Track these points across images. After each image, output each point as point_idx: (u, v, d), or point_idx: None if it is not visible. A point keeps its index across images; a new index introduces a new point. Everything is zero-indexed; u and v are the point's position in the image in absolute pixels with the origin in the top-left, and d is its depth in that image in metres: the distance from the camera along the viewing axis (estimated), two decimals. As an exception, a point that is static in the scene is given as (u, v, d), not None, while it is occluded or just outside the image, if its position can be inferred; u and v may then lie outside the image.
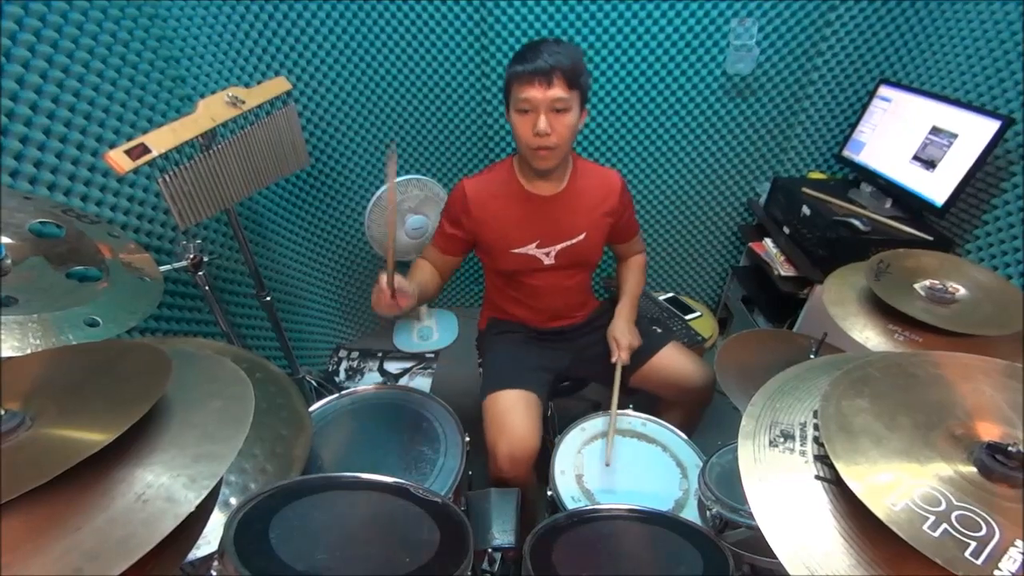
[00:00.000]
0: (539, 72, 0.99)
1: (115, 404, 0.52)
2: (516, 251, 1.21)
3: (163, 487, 0.47)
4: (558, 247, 1.22)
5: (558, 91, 1.00)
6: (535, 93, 1.00)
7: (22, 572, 0.41)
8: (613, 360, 1.23)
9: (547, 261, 1.23)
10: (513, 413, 1.15)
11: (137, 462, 0.49)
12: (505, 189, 1.19)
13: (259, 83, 1.32)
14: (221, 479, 0.50)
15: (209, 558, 0.62)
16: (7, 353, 0.65)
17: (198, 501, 0.46)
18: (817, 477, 0.52)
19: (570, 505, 0.96)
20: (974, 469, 0.48)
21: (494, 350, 1.35)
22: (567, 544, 0.80)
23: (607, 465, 1.04)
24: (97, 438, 0.46)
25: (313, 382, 1.76)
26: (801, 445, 0.56)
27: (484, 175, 1.22)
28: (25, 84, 0.99)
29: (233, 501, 0.75)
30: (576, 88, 1.03)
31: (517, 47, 1.13)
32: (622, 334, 1.26)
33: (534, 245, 1.20)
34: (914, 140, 1.52)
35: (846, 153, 1.80)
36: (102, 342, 0.68)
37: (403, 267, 2.24)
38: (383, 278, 0.95)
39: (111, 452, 0.47)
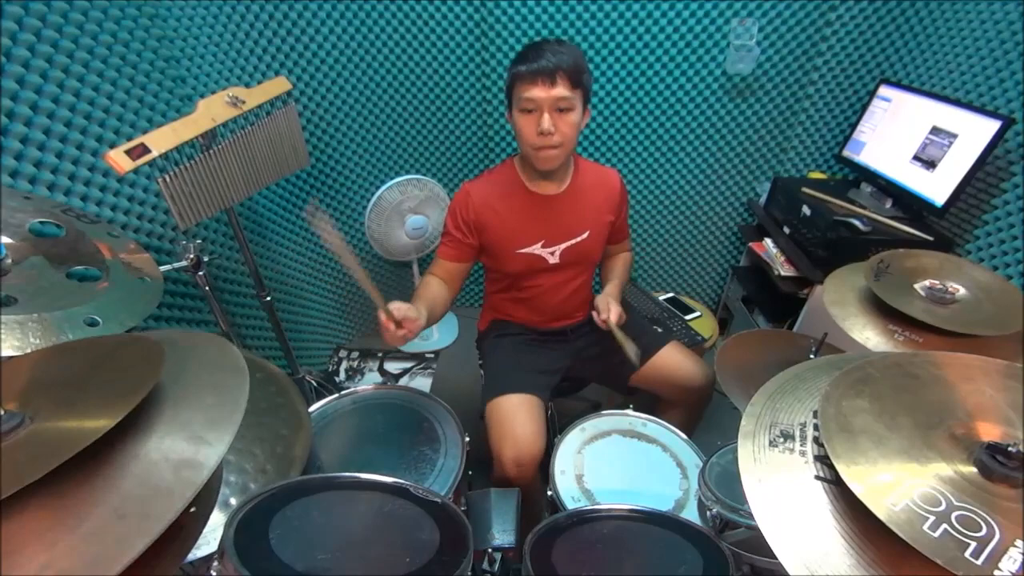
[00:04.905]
0: (542, 71, 0.99)
1: (110, 397, 0.52)
2: (521, 251, 1.20)
3: (142, 500, 0.46)
4: (563, 246, 1.21)
5: (562, 90, 1.00)
6: (539, 92, 1.00)
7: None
8: (598, 321, 1.19)
9: (552, 260, 1.23)
10: (517, 417, 1.15)
11: (122, 465, 0.48)
12: (509, 189, 1.19)
13: (259, 83, 1.32)
14: (210, 486, 0.49)
15: (209, 558, 0.62)
16: (7, 353, 0.65)
17: (171, 520, 0.45)
18: (817, 477, 0.52)
19: (570, 505, 0.96)
20: (974, 469, 0.48)
21: (495, 353, 1.34)
22: (567, 544, 0.80)
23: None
24: (98, 424, 0.46)
25: (313, 382, 1.76)
26: (801, 445, 0.56)
27: (486, 177, 1.22)
28: (25, 84, 0.99)
29: (233, 501, 0.75)
30: (579, 87, 1.03)
31: (517, 47, 1.13)
32: (601, 301, 1.21)
33: (539, 245, 1.20)
34: (914, 140, 1.52)
35: (846, 153, 1.80)
36: (94, 339, 0.68)
37: (404, 268, 2.27)
38: (381, 314, 0.94)
39: (101, 456, 0.47)
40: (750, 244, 1.95)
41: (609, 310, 1.18)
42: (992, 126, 1.29)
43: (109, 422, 0.47)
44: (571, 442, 1.10)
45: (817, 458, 0.54)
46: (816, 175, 1.94)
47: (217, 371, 0.61)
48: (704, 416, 1.40)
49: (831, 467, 0.50)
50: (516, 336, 1.35)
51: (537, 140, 1.05)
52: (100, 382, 0.55)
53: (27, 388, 0.55)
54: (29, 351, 0.66)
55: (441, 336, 2.31)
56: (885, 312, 0.92)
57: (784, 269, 1.72)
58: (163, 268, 0.98)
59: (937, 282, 0.94)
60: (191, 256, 1.17)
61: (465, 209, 1.18)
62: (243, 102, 1.21)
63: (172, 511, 0.45)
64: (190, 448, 0.51)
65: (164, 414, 0.54)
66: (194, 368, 0.60)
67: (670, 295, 2.08)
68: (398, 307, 0.95)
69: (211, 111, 1.15)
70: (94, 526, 0.44)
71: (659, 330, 1.41)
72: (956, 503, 0.45)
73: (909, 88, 1.61)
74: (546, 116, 1.02)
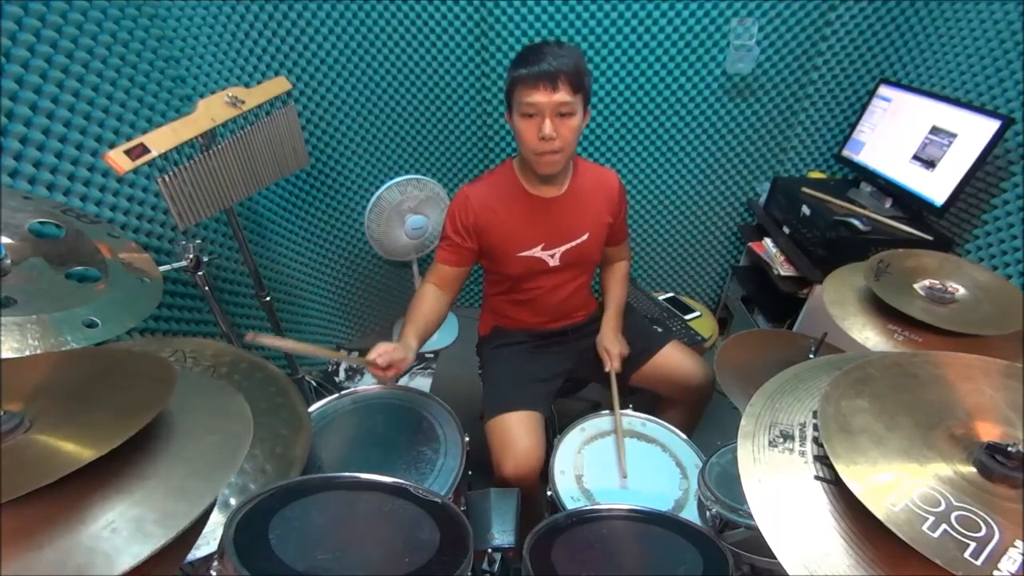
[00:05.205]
0: (544, 76, 0.98)
1: (114, 415, 0.52)
2: (522, 254, 1.20)
3: (128, 524, 0.46)
4: (563, 248, 1.21)
5: (563, 95, 0.99)
6: (540, 98, 0.99)
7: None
8: (607, 370, 1.25)
9: (552, 263, 1.22)
10: (518, 434, 1.15)
11: (118, 487, 0.49)
12: (508, 192, 1.18)
13: (259, 83, 1.32)
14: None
15: (209, 558, 0.62)
16: (7, 354, 0.65)
17: (148, 554, 0.45)
18: (817, 477, 0.52)
19: (570, 505, 0.96)
20: (974, 469, 0.48)
21: (495, 365, 1.34)
22: (567, 544, 0.80)
23: (624, 478, 1.02)
24: (87, 452, 0.46)
25: (313, 382, 1.76)
26: (801, 445, 0.56)
27: (485, 179, 1.22)
28: (24, 84, 0.99)
29: (233, 501, 0.75)
30: (580, 91, 1.02)
31: (517, 47, 1.14)
32: (611, 344, 1.28)
33: (539, 247, 1.20)
34: (914, 140, 1.52)
35: (846, 153, 1.80)
36: (110, 349, 0.68)
37: (404, 268, 2.27)
38: (369, 367, 1.00)
39: (100, 470, 0.47)
40: (750, 244, 1.95)
41: (611, 358, 1.26)
42: (992, 126, 1.29)
43: (95, 453, 0.47)
44: (571, 442, 1.10)
45: (817, 458, 0.54)
46: (816, 175, 1.94)
47: (223, 412, 0.61)
48: (704, 416, 1.40)
49: (831, 467, 0.50)
50: (516, 345, 1.35)
51: (539, 145, 1.04)
52: (108, 396, 0.56)
53: (38, 388, 0.55)
54: (28, 353, 0.66)
55: (441, 336, 2.31)
56: (885, 312, 0.92)
57: (784, 269, 1.72)
58: (163, 268, 0.98)
59: (937, 282, 0.94)
60: (191, 256, 1.17)
61: (464, 213, 1.17)
62: (243, 102, 1.21)
63: (165, 537, 0.46)
64: (187, 480, 0.51)
65: (169, 443, 0.54)
66: (200, 403, 0.61)
67: (670, 295, 2.08)
68: (382, 352, 0.98)
69: (211, 111, 1.15)
70: (87, 535, 0.44)
71: (659, 330, 1.42)
72: (956, 503, 0.45)
73: (909, 88, 1.61)
74: (547, 122, 1.01)
